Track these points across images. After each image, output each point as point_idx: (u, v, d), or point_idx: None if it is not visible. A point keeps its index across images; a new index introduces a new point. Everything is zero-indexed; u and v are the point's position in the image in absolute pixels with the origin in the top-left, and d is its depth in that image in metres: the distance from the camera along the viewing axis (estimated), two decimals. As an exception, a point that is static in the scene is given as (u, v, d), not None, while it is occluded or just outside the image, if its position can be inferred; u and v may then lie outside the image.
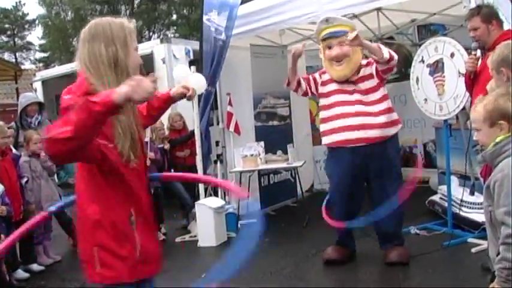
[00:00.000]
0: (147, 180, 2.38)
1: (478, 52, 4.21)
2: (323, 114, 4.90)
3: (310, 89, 5.01)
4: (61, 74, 10.73)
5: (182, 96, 2.55)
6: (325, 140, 4.86)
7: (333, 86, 4.84)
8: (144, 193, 2.31)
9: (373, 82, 4.72)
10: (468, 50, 5.39)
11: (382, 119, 4.63)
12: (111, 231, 2.14)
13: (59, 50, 30.59)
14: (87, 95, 2.05)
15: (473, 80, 4.19)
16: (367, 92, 4.71)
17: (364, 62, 4.78)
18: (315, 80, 5.01)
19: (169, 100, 2.58)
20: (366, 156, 4.64)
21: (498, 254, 2.32)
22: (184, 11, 33.67)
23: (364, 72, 4.76)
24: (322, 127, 4.91)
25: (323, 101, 4.92)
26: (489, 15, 4.08)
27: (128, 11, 30.64)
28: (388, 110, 4.71)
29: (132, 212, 2.20)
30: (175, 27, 33.91)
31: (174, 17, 34.58)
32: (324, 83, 4.92)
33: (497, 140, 2.35)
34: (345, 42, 4.59)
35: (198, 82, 6.02)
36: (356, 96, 4.71)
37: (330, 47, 4.74)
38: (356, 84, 4.73)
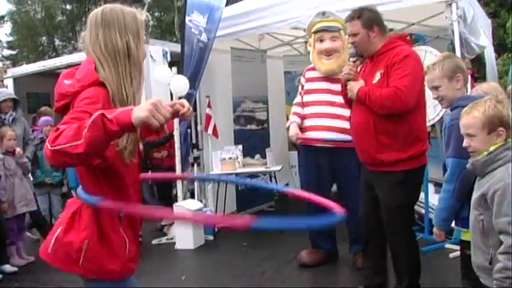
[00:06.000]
0: (139, 177, 2.34)
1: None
2: (305, 110, 5.00)
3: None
4: (33, 72, 10.49)
5: (176, 112, 2.25)
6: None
7: (312, 85, 4.92)
8: (135, 189, 2.24)
9: None
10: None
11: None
12: (102, 225, 2.07)
13: (27, 48, 29.99)
14: (96, 86, 2.01)
15: None
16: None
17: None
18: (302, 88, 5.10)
19: None
20: (330, 158, 4.78)
21: (490, 262, 2.35)
22: (156, 13, 33.43)
23: None
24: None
25: (305, 98, 5.02)
26: (371, 21, 3.69)
27: (99, 11, 30.23)
28: None
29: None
30: (147, 29, 33.59)
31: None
32: (308, 80, 5.01)
33: (492, 148, 2.37)
34: (337, 38, 4.71)
35: (180, 84, 5.98)
36: (334, 98, 4.77)
37: (321, 40, 4.80)
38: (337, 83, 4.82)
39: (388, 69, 3.60)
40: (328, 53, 4.77)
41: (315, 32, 4.85)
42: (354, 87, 3.70)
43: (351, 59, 3.87)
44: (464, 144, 2.48)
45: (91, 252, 2.05)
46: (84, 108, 1.90)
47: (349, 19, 3.76)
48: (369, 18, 3.70)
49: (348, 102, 4.04)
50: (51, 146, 1.75)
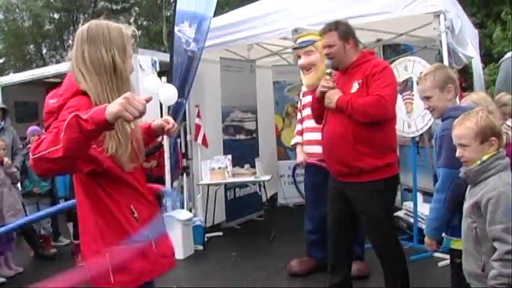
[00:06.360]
0: (144, 179, 2.32)
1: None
2: (300, 126, 5.18)
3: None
4: (21, 81, 10.40)
5: (161, 128, 2.43)
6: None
7: (308, 99, 4.98)
8: (144, 189, 2.25)
9: None
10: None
11: None
12: (119, 232, 2.09)
13: (15, 56, 29.80)
14: (78, 96, 2.04)
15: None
16: None
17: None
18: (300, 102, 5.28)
19: (149, 131, 2.44)
20: (323, 173, 4.74)
21: (483, 269, 2.38)
22: (145, 22, 33.40)
23: None
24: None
25: (303, 112, 5.12)
26: (346, 33, 3.75)
27: (87, 20, 30.05)
28: None
29: (133, 208, 2.14)
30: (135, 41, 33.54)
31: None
32: (304, 94, 5.14)
33: (484, 158, 2.41)
34: (311, 51, 4.79)
35: (168, 93, 5.98)
36: None
37: (299, 57, 4.95)
38: None
39: (367, 79, 3.64)
40: (306, 68, 4.87)
41: (295, 49, 5.05)
42: (333, 96, 3.72)
43: (328, 71, 3.87)
44: (457, 154, 2.51)
45: (118, 261, 2.06)
46: (66, 117, 1.91)
47: (326, 31, 3.80)
48: (344, 31, 3.77)
49: (316, 116, 4.07)
50: (32, 155, 1.79)
